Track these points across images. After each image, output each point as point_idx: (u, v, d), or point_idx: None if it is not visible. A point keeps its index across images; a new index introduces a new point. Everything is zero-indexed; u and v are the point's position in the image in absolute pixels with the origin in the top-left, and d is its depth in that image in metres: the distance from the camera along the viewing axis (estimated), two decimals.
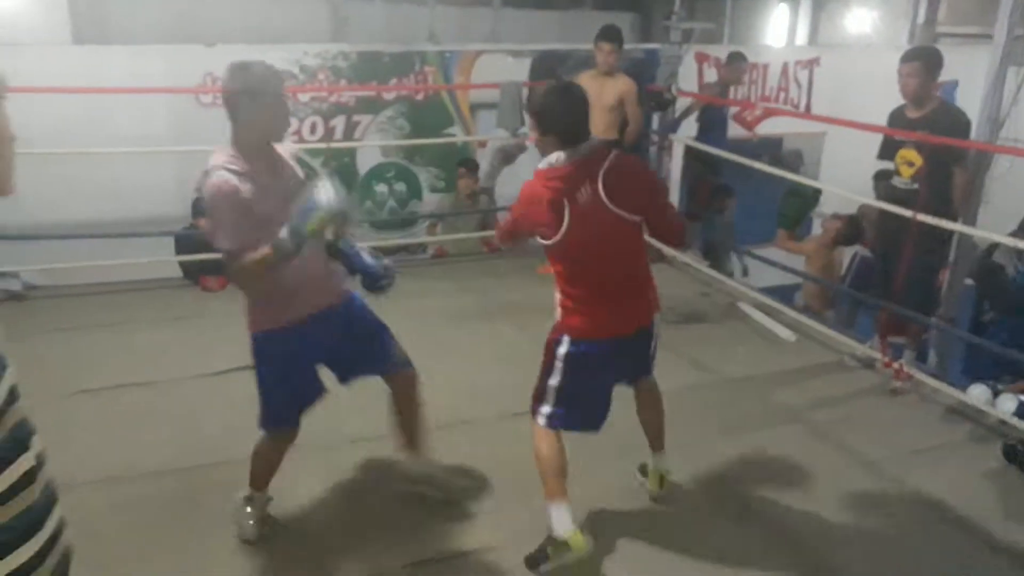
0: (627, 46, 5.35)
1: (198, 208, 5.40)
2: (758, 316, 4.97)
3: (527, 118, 2.65)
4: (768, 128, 6.56)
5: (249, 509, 2.88)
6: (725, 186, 6.37)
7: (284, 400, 2.78)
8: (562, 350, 2.68)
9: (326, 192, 2.39)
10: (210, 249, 5.25)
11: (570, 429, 2.78)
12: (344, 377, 2.93)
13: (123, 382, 3.97)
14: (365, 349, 2.91)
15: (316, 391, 2.83)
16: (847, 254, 5.68)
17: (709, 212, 6.48)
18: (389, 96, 6.03)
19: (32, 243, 5.06)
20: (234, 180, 2.48)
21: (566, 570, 2.68)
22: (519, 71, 6.10)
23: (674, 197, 6.59)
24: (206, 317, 4.85)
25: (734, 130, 6.34)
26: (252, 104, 2.51)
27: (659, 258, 6.09)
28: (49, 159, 4.84)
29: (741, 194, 6.53)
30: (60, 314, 4.81)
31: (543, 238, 2.57)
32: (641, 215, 2.60)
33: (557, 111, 2.53)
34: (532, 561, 2.70)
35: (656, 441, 3.05)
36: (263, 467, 2.87)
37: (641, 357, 2.87)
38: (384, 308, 5.08)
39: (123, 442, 3.47)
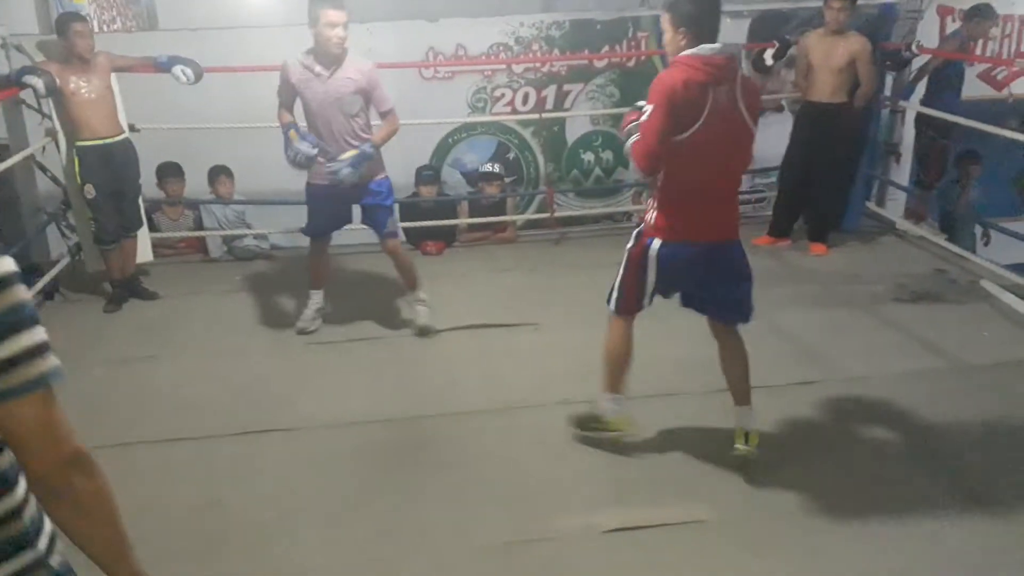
0: (860, 1, 4.95)
1: (419, 177, 5.74)
2: (1006, 297, 4.46)
3: (662, 14, 2.73)
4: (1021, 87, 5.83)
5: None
6: (969, 151, 5.75)
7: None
8: (653, 250, 2.84)
9: None
10: (431, 216, 5.65)
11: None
12: None
13: (358, 335, 4.35)
14: None
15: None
16: None
17: (947, 181, 5.88)
18: (601, 63, 6.01)
19: (278, 208, 5.62)
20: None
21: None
22: (737, 33, 5.84)
23: (906, 166, 6.07)
24: (426, 279, 5.15)
25: (981, 89, 5.68)
26: None
27: (890, 229, 5.66)
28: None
29: (985, 162, 5.88)
30: (300, 273, 5.30)
31: (682, 126, 2.61)
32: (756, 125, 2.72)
33: (707, 6, 2.65)
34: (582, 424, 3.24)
35: (741, 395, 3.03)
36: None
37: (730, 279, 2.90)
38: (590, 275, 5.15)
39: (352, 392, 3.77)
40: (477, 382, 3.82)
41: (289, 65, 3.88)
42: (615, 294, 3.04)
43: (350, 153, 3.83)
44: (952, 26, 5.98)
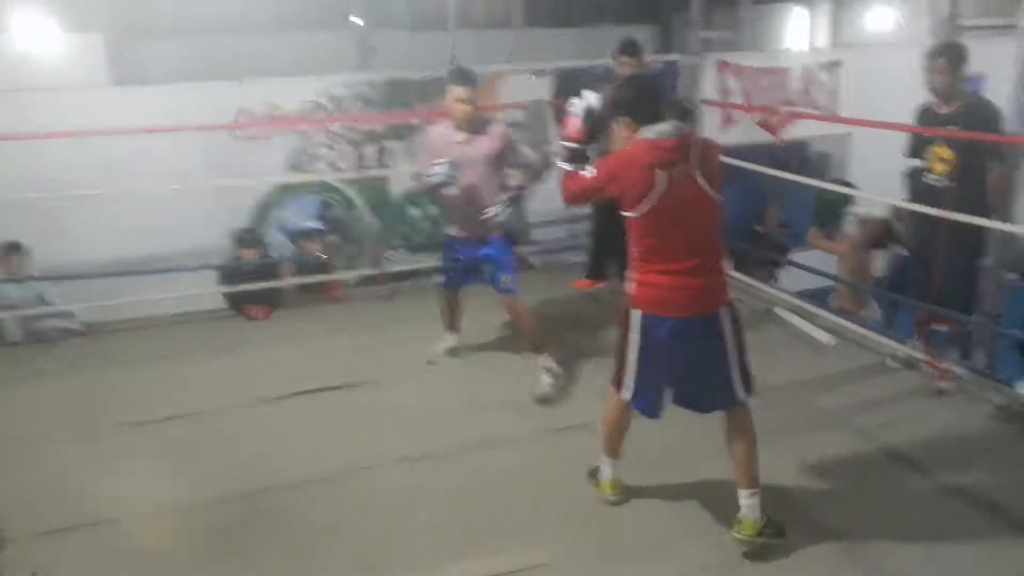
0: (647, 58, 5.40)
1: (240, 240, 5.56)
2: (796, 321, 4.96)
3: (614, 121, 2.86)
4: (793, 133, 6.56)
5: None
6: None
7: None
8: (634, 322, 2.84)
9: None
10: (253, 279, 5.47)
11: (640, 410, 2.97)
12: None
13: (172, 413, 4.06)
14: None
15: None
16: (883, 253, 5.66)
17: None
18: (417, 121, 6.13)
19: (84, 283, 5.21)
20: None
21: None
22: (543, 89, 6.18)
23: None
24: (252, 345, 4.98)
25: (760, 136, 6.34)
26: None
27: None
28: (97, 200, 5.02)
29: (774, 199, 6.52)
30: (113, 349, 4.95)
31: (626, 205, 2.73)
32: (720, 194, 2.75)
33: (643, 93, 2.85)
34: (591, 474, 3.26)
35: (741, 478, 2.88)
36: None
37: (710, 356, 2.80)
38: (423, 329, 5.14)
39: (173, 473, 3.53)
40: (311, 449, 3.70)
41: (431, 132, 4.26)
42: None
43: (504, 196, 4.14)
44: (729, 79, 6.64)
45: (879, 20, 7.71)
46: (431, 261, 6.28)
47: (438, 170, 3.96)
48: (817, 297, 5.41)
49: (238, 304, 5.49)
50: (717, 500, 3.14)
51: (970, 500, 3.16)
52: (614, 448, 3.16)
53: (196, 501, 3.33)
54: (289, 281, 5.69)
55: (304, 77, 5.92)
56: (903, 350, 4.40)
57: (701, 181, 2.69)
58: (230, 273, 5.50)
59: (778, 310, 5.14)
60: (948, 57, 4.10)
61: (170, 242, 5.40)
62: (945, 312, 4.20)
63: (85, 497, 3.36)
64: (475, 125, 4.08)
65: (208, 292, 5.51)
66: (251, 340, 5.06)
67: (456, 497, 3.31)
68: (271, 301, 5.56)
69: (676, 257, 2.73)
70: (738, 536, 2.84)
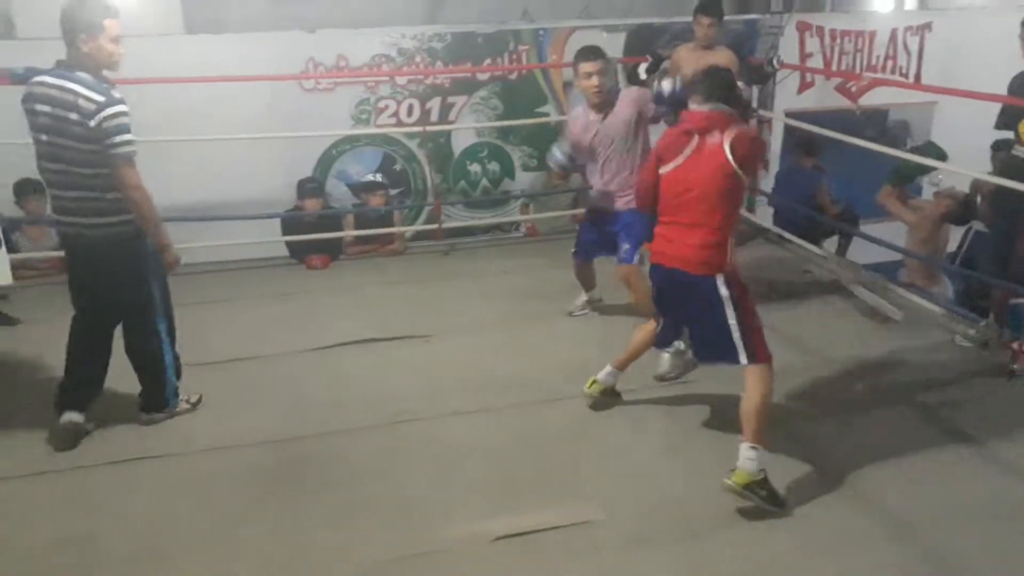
0: (727, 17, 5.22)
1: (302, 190, 5.63)
2: (863, 294, 4.79)
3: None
4: (874, 99, 6.28)
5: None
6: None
7: None
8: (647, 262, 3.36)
9: None
10: (316, 230, 5.54)
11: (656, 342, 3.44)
12: None
13: (234, 355, 4.18)
14: None
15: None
16: (958, 229, 5.39)
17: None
18: (484, 76, 6.07)
19: None
20: None
21: None
22: (614, 46, 6.04)
23: (772, 174, 6.42)
24: (312, 294, 5.06)
25: (837, 101, 6.08)
26: None
27: (759, 234, 5.97)
28: (165, 146, 5.13)
29: (841, 167, 6.25)
30: (177, 291, 5.05)
31: (662, 163, 3.09)
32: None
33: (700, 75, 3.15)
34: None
35: (744, 430, 2.96)
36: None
37: (705, 315, 3.04)
38: (480, 284, 5.21)
39: (233, 414, 3.64)
40: (366, 397, 3.76)
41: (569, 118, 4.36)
42: None
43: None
44: (811, 40, 6.38)
45: None
46: (489, 218, 6.30)
47: (555, 154, 4.17)
48: (886, 271, 5.20)
49: (299, 253, 5.58)
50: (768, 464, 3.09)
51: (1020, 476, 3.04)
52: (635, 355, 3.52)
53: (254, 440, 3.42)
54: (349, 232, 5.76)
55: (373, 29, 5.91)
56: (976, 328, 4.20)
57: (727, 150, 2.93)
58: (293, 222, 5.59)
59: (846, 283, 4.97)
60: None
61: (235, 190, 5.50)
62: (1018, 288, 4.00)
63: (150, 431, 3.50)
64: (609, 98, 4.07)
65: (270, 240, 5.61)
66: (311, 289, 5.15)
67: (505, 453, 3.32)
68: (331, 251, 5.64)
69: (675, 212, 3.05)
70: (726, 482, 2.87)
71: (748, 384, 3.00)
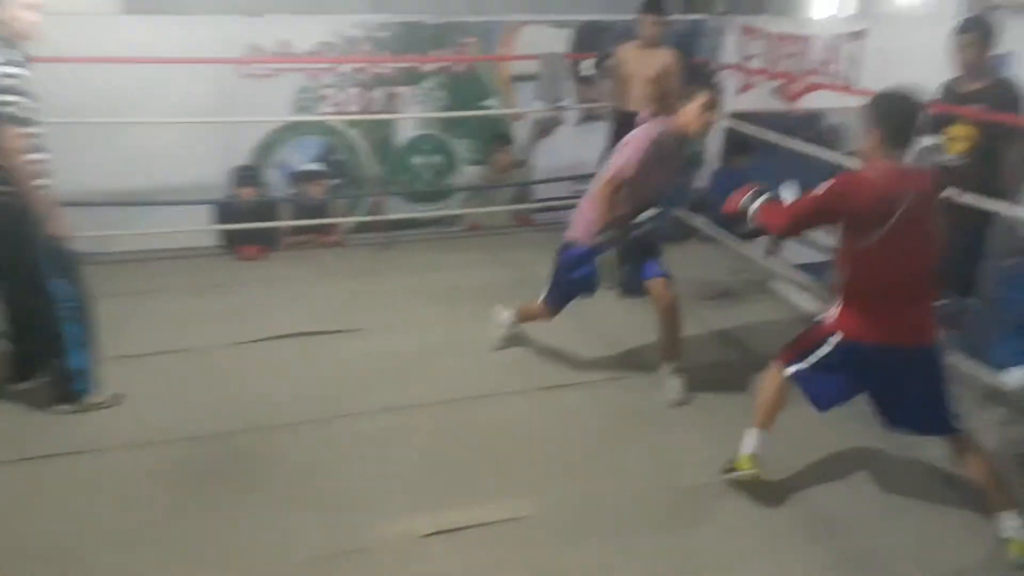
0: (672, 17, 5.27)
1: (239, 177, 5.50)
2: (791, 293, 4.89)
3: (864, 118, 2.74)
4: (810, 103, 6.40)
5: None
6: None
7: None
8: (834, 340, 2.80)
9: None
10: (251, 218, 5.42)
11: (805, 392, 2.91)
12: None
13: (161, 348, 4.05)
14: None
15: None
16: None
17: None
18: (428, 67, 6.01)
19: (79, 211, 5.17)
20: None
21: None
22: (559, 43, 6.04)
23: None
24: (245, 285, 4.95)
25: (775, 103, 6.19)
26: None
27: (694, 234, 6.03)
28: (99, 128, 4.96)
29: (777, 168, 6.35)
30: (104, 280, 4.89)
31: (857, 229, 2.62)
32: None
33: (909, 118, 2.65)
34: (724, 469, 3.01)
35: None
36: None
37: (923, 384, 2.77)
38: (418, 279, 5.16)
39: (159, 407, 3.54)
40: (295, 393, 3.68)
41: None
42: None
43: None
44: (753, 44, 6.47)
45: None
46: (432, 211, 6.24)
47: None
48: (816, 271, 5.31)
49: (233, 242, 5.45)
50: (700, 463, 3.15)
51: (948, 482, 3.11)
52: (767, 420, 3.02)
53: (179, 436, 3.33)
54: (285, 222, 5.64)
55: (317, 16, 5.79)
56: None
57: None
58: (227, 210, 5.45)
59: (774, 282, 5.07)
60: (977, 32, 3.96)
61: (169, 176, 5.34)
62: (943, 293, 4.12)
63: (68, 427, 3.36)
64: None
65: (203, 229, 5.46)
66: (243, 280, 5.04)
67: (438, 448, 3.30)
68: (266, 241, 5.52)
69: (894, 284, 2.74)
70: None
71: (976, 455, 2.84)
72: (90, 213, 5.08)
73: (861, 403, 2.99)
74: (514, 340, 4.09)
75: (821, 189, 2.70)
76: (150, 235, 5.23)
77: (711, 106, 3.55)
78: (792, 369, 2.89)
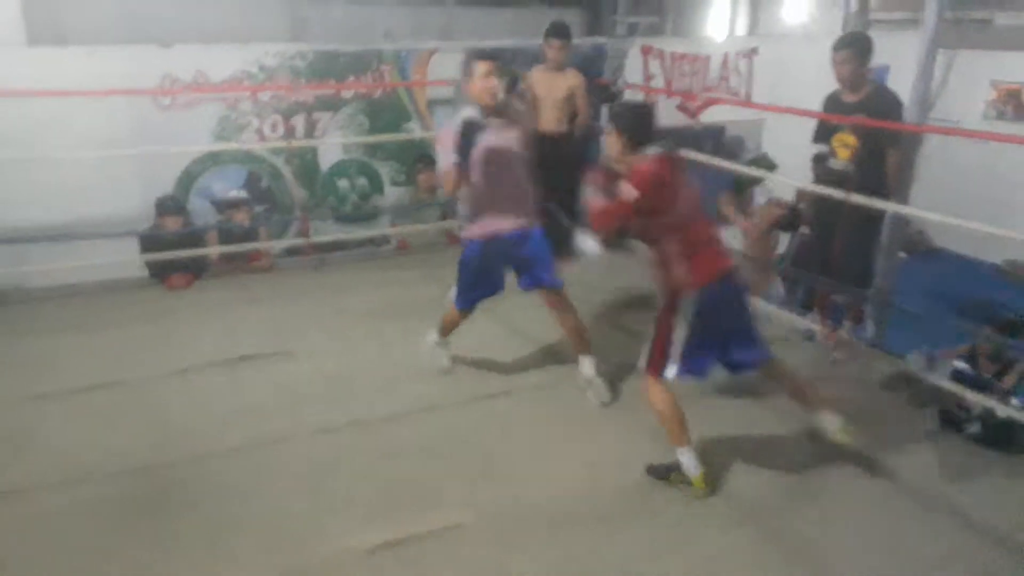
0: (575, 41, 5.54)
1: (162, 208, 5.49)
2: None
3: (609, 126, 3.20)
4: (710, 117, 6.79)
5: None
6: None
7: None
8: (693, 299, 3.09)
9: None
10: (175, 247, 5.41)
11: (691, 377, 3.16)
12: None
13: (89, 383, 4.00)
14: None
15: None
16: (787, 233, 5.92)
17: None
18: (348, 94, 6.14)
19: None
20: None
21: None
22: (454, 68, 6.24)
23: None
24: (173, 315, 4.95)
25: (678, 120, 6.54)
26: None
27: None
28: (10, 164, 4.89)
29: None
30: (25, 317, 4.86)
31: (661, 212, 3.05)
32: None
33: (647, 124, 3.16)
34: (654, 471, 3.28)
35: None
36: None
37: (742, 315, 3.18)
38: (348, 299, 5.22)
39: (87, 444, 3.49)
40: (227, 419, 3.69)
41: None
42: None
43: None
44: (653, 63, 6.83)
45: (796, 11, 8.02)
46: (360, 232, 6.35)
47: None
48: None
49: (160, 273, 5.44)
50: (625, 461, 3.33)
51: (858, 459, 3.37)
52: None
53: (110, 471, 3.30)
54: (212, 250, 5.66)
55: (233, 45, 5.84)
56: (802, 323, 4.66)
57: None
58: (152, 241, 5.43)
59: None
60: (854, 48, 4.28)
61: (89, 209, 5.31)
62: (843, 287, 4.47)
63: None
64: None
65: (128, 260, 5.42)
66: (171, 309, 5.03)
67: (374, 465, 3.36)
68: (194, 270, 5.52)
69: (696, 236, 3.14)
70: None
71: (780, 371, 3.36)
72: (15, 249, 5.02)
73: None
74: (445, 356, 4.18)
75: (631, 189, 3.04)
76: (75, 268, 5.18)
77: (489, 72, 3.65)
78: (671, 373, 3.13)
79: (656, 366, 3.15)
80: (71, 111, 5.14)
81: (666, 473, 3.24)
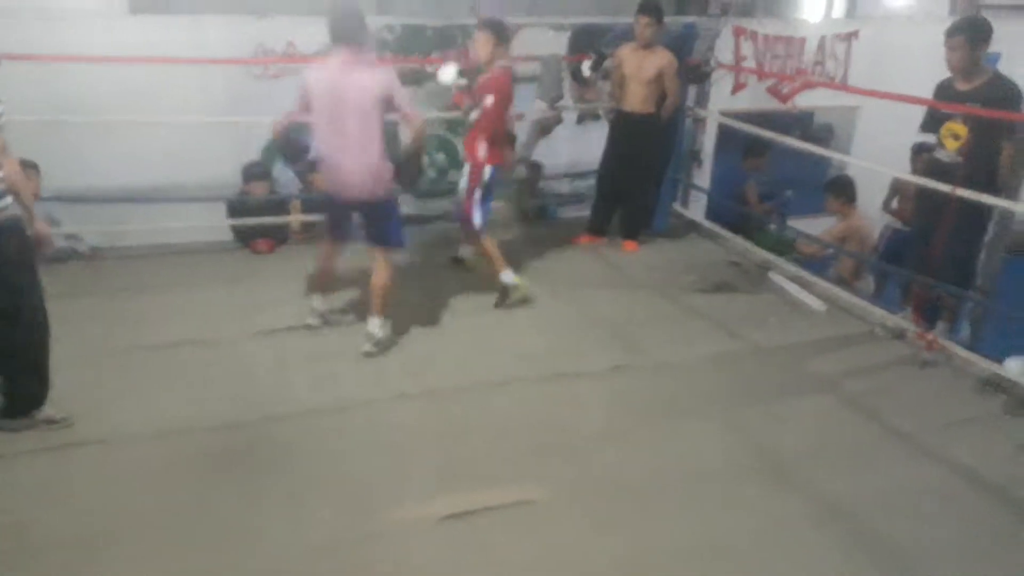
0: (666, 19, 5.41)
1: (248, 174, 5.62)
2: (789, 286, 5.04)
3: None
4: (800, 102, 6.57)
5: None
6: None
7: None
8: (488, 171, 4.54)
9: None
10: (260, 213, 5.53)
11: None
12: None
13: (178, 339, 4.15)
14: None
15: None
16: (878, 226, 5.72)
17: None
18: (432, 68, 6.14)
19: (94, 206, 5.30)
20: None
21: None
22: (559, 44, 6.18)
23: (707, 170, 6.65)
24: (257, 278, 5.08)
25: (767, 103, 6.35)
26: None
27: (693, 228, 6.19)
28: (111, 127, 5.07)
29: (772, 166, 6.54)
30: (120, 274, 5.04)
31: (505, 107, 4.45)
32: None
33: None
34: (499, 304, 4.53)
35: None
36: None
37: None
38: (431, 273, 5.25)
39: (177, 399, 3.62)
40: (311, 382, 3.78)
41: None
42: None
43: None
44: (745, 44, 6.63)
45: None
46: (439, 208, 6.38)
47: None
48: (815, 265, 5.48)
49: (244, 237, 5.58)
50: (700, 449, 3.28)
51: (949, 468, 3.26)
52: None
53: (200, 426, 3.42)
54: (295, 217, 5.76)
55: (322, 17, 5.89)
56: (893, 320, 4.48)
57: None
58: (238, 206, 5.57)
59: (772, 275, 5.22)
60: (967, 34, 4.05)
61: (181, 173, 5.45)
62: (943, 286, 4.27)
63: (92, 417, 3.43)
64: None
65: (215, 224, 5.58)
66: (255, 273, 5.16)
67: (449, 435, 3.41)
68: (277, 236, 5.64)
69: None
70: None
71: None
72: (105, 209, 5.22)
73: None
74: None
75: (491, 98, 4.43)
76: (166, 230, 5.35)
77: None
78: (479, 220, 4.50)
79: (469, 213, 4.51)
80: (169, 78, 5.28)
81: (505, 299, 4.43)
